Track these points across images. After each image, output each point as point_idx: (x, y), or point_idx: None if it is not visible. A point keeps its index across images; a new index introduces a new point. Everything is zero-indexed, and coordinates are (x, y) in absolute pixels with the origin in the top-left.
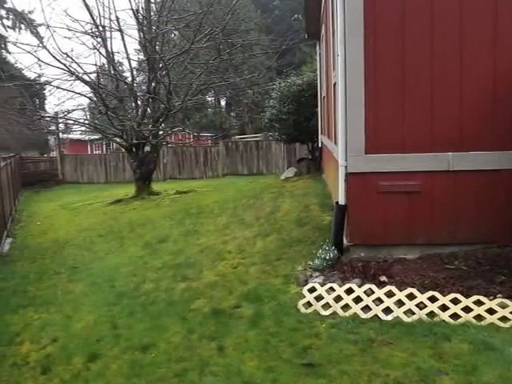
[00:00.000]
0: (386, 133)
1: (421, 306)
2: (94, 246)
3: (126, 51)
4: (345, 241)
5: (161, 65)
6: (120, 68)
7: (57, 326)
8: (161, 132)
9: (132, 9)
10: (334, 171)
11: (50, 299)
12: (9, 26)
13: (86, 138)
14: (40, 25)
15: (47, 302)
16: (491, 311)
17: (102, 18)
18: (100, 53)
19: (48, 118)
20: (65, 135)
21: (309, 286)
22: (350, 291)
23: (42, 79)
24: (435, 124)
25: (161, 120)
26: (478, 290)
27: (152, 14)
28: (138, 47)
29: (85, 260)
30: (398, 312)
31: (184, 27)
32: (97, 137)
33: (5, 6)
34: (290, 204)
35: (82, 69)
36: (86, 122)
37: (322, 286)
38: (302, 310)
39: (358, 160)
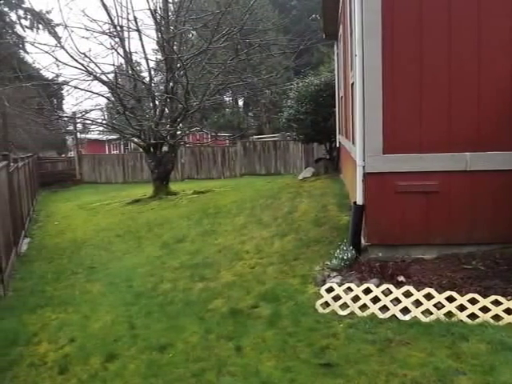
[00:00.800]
0: (403, 133)
1: (438, 305)
2: (111, 246)
3: (144, 51)
4: (362, 241)
5: (179, 65)
6: (138, 68)
7: (74, 326)
8: (179, 132)
9: (150, 9)
10: (351, 171)
11: (67, 299)
12: (27, 26)
13: (104, 138)
14: (58, 25)
15: (65, 302)
16: (509, 311)
17: (120, 18)
18: (118, 53)
19: (66, 118)
20: (82, 135)
21: (326, 285)
22: (367, 291)
23: (60, 79)
24: (453, 124)
25: (179, 120)
26: (496, 290)
27: (170, 13)
28: (156, 47)
29: (102, 260)
30: (416, 312)
31: (202, 27)
32: (114, 137)
33: (23, 6)
34: (307, 204)
35: (100, 69)
36: (104, 121)
37: (339, 286)
38: (320, 309)
39: (376, 160)
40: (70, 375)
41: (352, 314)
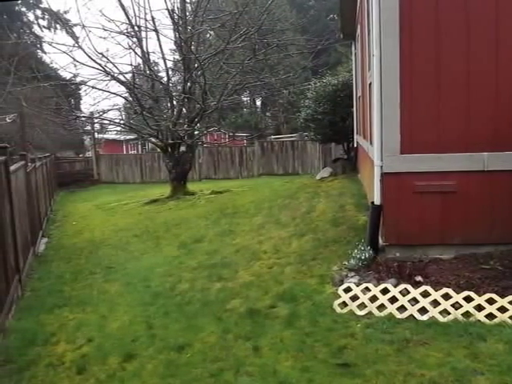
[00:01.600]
0: (421, 133)
1: (456, 305)
2: (129, 246)
3: (162, 51)
4: (380, 241)
5: (196, 65)
6: (155, 68)
7: (92, 326)
8: (196, 132)
9: (167, 9)
10: (369, 171)
11: (85, 299)
12: (44, 26)
13: (122, 137)
14: (75, 25)
15: (83, 302)
16: None
17: (138, 18)
18: (135, 53)
19: (83, 118)
20: (100, 135)
21: (344, 285)
22: (385, 291)
23: (78, 79)
24: (470, 124)
25: (196, 120)
26: None
27: (187, 13)
28: (174, 47)
29: (120, 260)
30: (434, 312)
31: (219, 27)
32: (132, 137)
33: (40, 5)
34: (325, 204)
35: (118, 69)
36: (122, 121)
37: (357, 285)
38: (338, 309)
39: (394, 160)
40: (88, 375)
41: (370, 313)
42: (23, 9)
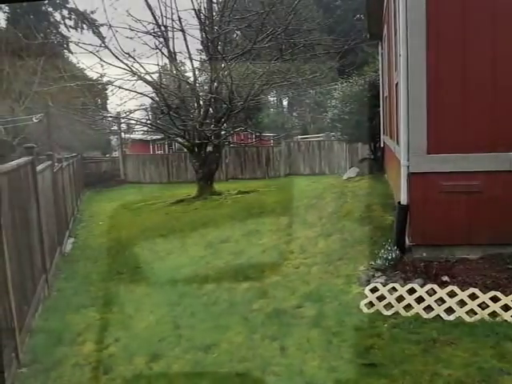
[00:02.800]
0: (447, 133)
1: (483, 306)
2: (155, 246)
3: (188, 51)
4: (407, 241)
5: (223, 65)
6: (182, 68)
7: (119, 326)
8: (223, 132)
9: (194, 9)
10: (396, 171)
11: (111, 299)
12: (71, 26)
13: (148, 138)
14: (102, 25)
15: (109, 302)
16: None
17: (165, 18)
18: (162, 53)
19: (110, 118)
20: (127, 135)
21: (371, 285)
22: (412, 291)
23: (104, 79)
24: (497, 124)
25: (223, 120)
26: None
27: (214, 13)
28: (200, 47)
29: (147, 260)
30: (460, 312)
31: (246, 27)
32: (159, 137)
33: (67, 6)
34: (352, 204)
35: (144, 69)
36: (148, 122)
37: (384, 285)
38: (364, 309)
39: (420, 160)
40: (115, 375)
41: (396, 313)
42: (50, 9)
